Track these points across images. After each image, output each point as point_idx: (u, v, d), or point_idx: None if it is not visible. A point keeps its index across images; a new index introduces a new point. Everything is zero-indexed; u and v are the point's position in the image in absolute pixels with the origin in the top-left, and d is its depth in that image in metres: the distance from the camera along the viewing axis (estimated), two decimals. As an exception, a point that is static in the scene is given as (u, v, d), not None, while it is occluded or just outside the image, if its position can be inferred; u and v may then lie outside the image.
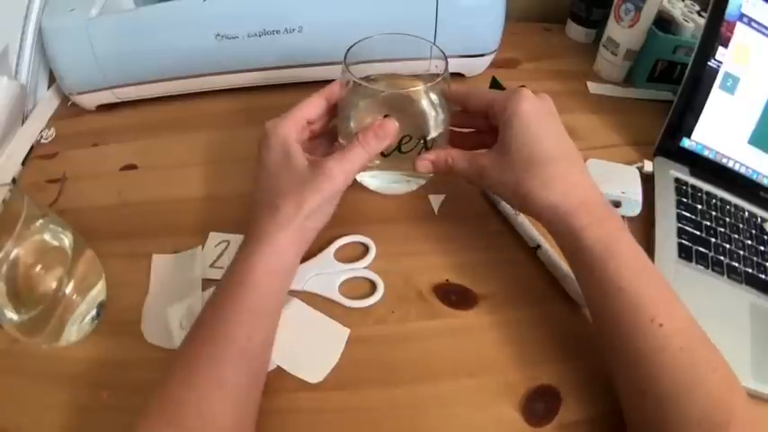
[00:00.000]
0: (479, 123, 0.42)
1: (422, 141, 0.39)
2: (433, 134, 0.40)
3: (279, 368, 0.36)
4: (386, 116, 0.38)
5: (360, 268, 0.41)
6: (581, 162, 0.36)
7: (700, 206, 0.46)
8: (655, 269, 0.32)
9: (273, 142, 0.36)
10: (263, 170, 0.36)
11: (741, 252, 0.44)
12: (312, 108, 0.39)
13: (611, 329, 0.32)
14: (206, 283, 0.40)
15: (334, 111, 0.41)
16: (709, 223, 0.45)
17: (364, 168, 0.39)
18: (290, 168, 0.35)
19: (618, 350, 0.32)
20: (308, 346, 0.37)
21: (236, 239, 0.42)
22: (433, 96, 0.41)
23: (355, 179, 0.45)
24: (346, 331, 0.38)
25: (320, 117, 0.40)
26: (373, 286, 0.40)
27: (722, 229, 0.45)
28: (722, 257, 0.43)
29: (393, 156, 0.39)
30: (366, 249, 0.42)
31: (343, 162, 0.35)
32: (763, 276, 0.43)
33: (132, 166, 0.50)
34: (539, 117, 0.36)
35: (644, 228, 0.45)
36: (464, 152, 0.39)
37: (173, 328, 0.37)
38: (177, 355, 0.31)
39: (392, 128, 0.36)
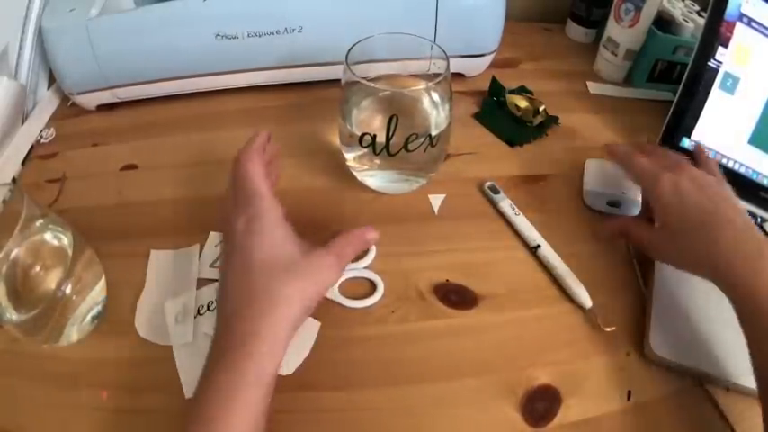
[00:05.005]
0: None
1: (427, 139, 0.39)
2: (437, 131, 0.40)
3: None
4: (391, 117, 0.38)
5: (360, 268, 0.41)
6: (736, 218, 0.35)
7: (700, 206, 0.46)
8: None
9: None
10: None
11: (741, 252, 0.44)
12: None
13: None
14: (202, 282, 0.40)
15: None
16: (709, 223, 0.45)
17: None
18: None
19: None
20: None
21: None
22: (435, 95, 0.42)
23: (356, 178, 0.45)
24: (317, 324, 0.38)
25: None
26: (373, 286, 0.40)
27: (722, 229, 0.45)
28: (722, 257, 0.43)
29: (400, 154, 0.39)
30: (366, 249, 0.42)
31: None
32: (763, 276, 0.43)
33: (132, 166, 0.50)
34: (679, 197, 0.37)
35: (644, 228, 0.45)
36: (639, 223, 0.41)
37: (168, 323, 0.37)
38: None
39: (373, 239, 0.36)
